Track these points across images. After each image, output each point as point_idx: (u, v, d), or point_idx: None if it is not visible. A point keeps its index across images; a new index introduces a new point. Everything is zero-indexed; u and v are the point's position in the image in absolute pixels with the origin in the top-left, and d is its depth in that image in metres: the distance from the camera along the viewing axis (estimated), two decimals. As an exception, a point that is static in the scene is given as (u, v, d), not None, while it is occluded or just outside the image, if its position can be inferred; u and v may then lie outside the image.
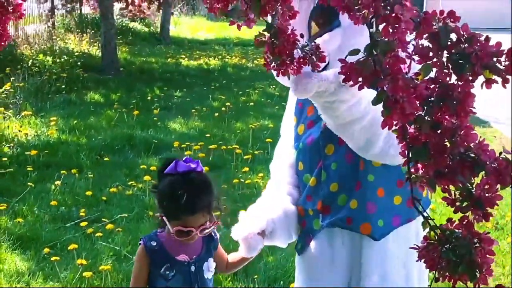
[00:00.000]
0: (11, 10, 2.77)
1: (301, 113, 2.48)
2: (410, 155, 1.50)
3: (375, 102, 1.35)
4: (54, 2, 15.96)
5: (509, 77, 1.45)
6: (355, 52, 1.33)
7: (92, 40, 13.47)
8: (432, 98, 1.45)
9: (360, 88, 1.34)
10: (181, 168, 2.19)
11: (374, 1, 1.25)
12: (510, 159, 1.46)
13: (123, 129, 7.54)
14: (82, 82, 10.32)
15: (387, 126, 1.33)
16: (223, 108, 8.84)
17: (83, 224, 4.65)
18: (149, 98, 9.56)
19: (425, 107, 1.45)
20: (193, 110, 8.73)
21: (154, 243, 2.26)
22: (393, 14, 1.25)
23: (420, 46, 1.45)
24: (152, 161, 6.36)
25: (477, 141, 1.47)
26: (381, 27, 1.29)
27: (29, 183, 5.43)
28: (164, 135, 7.42)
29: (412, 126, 1.46)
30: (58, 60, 11.01)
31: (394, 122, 1.34)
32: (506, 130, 8.61)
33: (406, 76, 1.31)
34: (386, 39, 1.30)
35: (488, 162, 1.45)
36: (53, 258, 4.02)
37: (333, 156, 2.34)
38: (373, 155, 2.21)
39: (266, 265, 4.14)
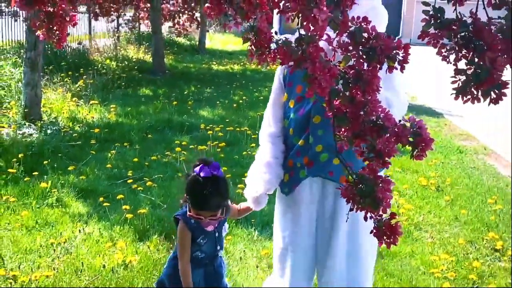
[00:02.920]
0: (68, 20, 2.86)
1: (290, 91, 2.46)
2: (336, 122, 1.57)
3: (302, 79, 1.43)
4: (119, 21, 16.10)
5: (405, 65, 1.52)
6: (288, 42, 1.40)
7: (146, 50, 13.54)
8: (350, 80, 1.52)
9: (292, 70, 1.42)
10: (204, 173, 2.17)
11: (299, 5, 1.31)
12: (408, 126, 1.53)
13: (165, 114, 7.59)
14: (137, 81, 10.37)
15: (311, 95, 1.41)
16: (240, 101, 8.86)
17: (129, 181, 4.76)
18: (185, 92, 9.60)
19: (344, 86, 1.53)
20: (217, 102, 8.78)
21: (192, 221, 2.24)
22: (312, 15, 1.31)
23: (342, 42, 1.52)
24: (184, 138, 6.44)
25: (383, 113, 1.54)
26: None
27: (91, 152, 5.53)
28: (194, 119, 7.47)
29: (337, 101, 1.53)
30: (120, 64, 11.11)
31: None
32: (455, 120, 8.59)
33: (323, 61, 1.38)
34: (309, 34, 1.37)
35: (390, 127, 1.52)
36: (105, 204, 4.13)
37: (320, 125, 2.34)
38: None
39: (261, 212, 4.21)
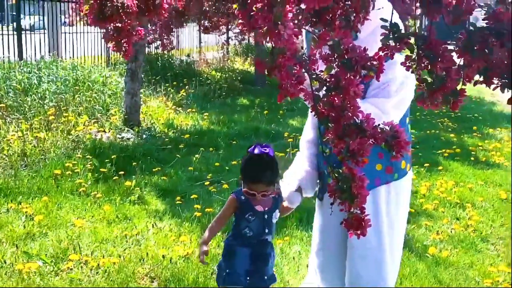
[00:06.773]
0: (135, 34, 3.21)
1: None
2: (319, 124, 1.74)
3: (279, 86, 1.62)
4: (229, 34, 16.76)
5: (380, 74, 1.66)
6: (262, 54, 1.60)
7: (252, 62, 14.00)
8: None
9: (269, 76, 1.61)
10: (257, 151, 2.44)
11: (266, 23, 1.49)
12: (387, 129, 1.68)
13: (254, 123, 7.89)
14: (238, 91, 10.71)
15: (280, 100, 1.59)
16: (332, 111, 8.93)
17: (207, 183, 5.07)
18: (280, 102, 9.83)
19: (326, 92, 1.70)
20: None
21: (243, 197, 2.49)
22: (276, 31, 1.49)
23: (324, 54, 1.69)
24: (268, 145, 6.68)
25: (364, 116, 1.69)
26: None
27: (177, 155, 5.92)
28: (281, 128, 7.68)
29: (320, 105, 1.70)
30: (224, 75, 11.61)
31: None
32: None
33: (290, 70, 1.56)
34: (280, 47, 1.56)
35: (369, 130, 1.67)
36: (178, 202, 4.46)
37: None
38: None
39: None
